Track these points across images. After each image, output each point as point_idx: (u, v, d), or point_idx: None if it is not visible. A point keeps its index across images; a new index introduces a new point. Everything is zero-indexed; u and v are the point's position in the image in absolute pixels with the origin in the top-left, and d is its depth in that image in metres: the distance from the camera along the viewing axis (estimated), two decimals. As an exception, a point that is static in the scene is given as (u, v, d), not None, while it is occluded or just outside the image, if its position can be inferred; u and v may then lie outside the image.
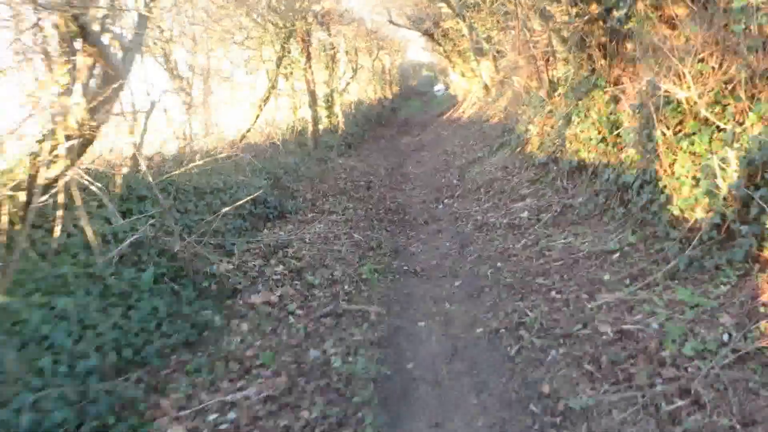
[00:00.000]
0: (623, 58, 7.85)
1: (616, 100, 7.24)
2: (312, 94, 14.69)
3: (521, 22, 10.05)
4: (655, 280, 4.12)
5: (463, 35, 20.99)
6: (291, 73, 15.50)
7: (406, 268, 6.46)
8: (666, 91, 4.84)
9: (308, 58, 14.46)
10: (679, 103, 4.90)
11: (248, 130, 11.36)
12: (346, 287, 5.75)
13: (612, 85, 7.66)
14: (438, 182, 11.31)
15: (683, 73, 4.71)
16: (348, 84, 21.95)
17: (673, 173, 4.80)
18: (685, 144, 4.70)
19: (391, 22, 26.37)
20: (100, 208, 5.56)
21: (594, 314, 4.08)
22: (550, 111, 8.59)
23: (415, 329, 4.88)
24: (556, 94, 8.88)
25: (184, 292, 5.08)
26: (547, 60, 9.10)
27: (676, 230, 4.53)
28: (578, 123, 7.48)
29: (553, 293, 4.69)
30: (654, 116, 4.92)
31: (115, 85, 4.46)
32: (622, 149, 6.58)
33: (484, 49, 18.99)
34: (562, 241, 5.68)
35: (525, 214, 6.94)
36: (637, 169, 5.50)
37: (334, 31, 18.37)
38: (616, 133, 6.83)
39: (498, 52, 17.72)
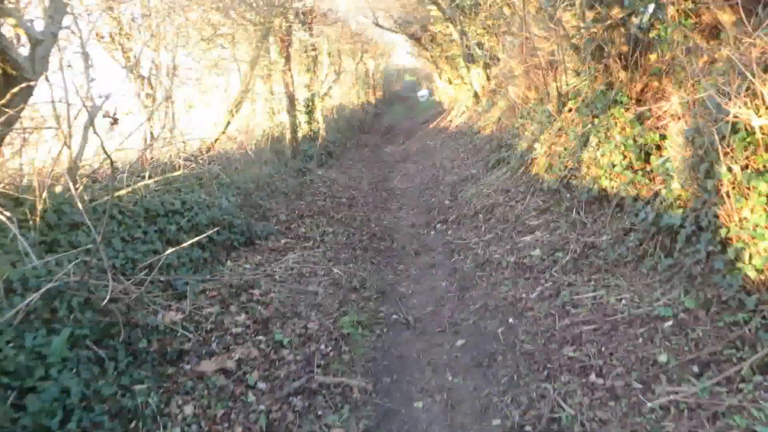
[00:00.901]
0: (646, 71, 6.85)
1: (640, 119, 6.23)
2: (291, 98, 13.54)
3: (524, 28, 9.02)
4: (741, 374, 3.06)
5: (452, 40, 19.98)
6: (269, 75, 14.36)
7: (395, 317, 5.34)
8: (735, 115, 3.79)
9: (288, 59, 13.31)
10: (749, 131, 3.87)
11: (218, 138, 10.17)
12: (322, 347, 4.62)
13: (634, 101, 6.65)
14: (428, 201, 10.22)
15: (761, 94, 3.67)
16: (330, 88, 20.81)
17: (742, 221, 3.76)
18: (762, 185, 3.66)
19: (376, 24, 25.30)
20: (13, 241, 4.37)
21: (659, 419, 3.00)
22: (560, 128, 7.55)
23: (411, 414, 3.77)
24: (565, 109, 7.84)
25: (111, 360, 3.90)
26: (555, 70, 8.08)
27: (754, 297, 3.48)
28: (597, 145, 6.44)
29: (592, 375, 3.60)
30: (719, 147, 3.87)
31: (15, 90, 3.28)
32: (654, 179, 5.55)
33: (475, 55, 17.99)
34: (591, 294, 4.61)
35: (536, 252, 5.87)
36: (685, 210, 4.46)
37: (317, 31, 17.23)
38: (642, 158, 5.81)
39: (491, 59, 16.72)
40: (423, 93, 44.25)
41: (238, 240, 6.95)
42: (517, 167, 8.35)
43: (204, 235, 5.49)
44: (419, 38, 25.23)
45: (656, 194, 5.24)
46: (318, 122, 16.65)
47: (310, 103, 16.41)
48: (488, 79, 17.34)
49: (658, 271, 4.47)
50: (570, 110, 7.74)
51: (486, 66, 17.44)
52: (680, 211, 4.50)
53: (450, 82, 24.46)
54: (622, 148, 5.97)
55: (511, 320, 4.75)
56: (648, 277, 4.50)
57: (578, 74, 8.13)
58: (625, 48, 6.94)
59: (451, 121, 20.07)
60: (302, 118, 16.75)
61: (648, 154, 5.82)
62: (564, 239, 5.84)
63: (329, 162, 15.10)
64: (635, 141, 5.89)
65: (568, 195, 6.53)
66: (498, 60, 16.57)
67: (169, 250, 4.55)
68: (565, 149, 7.04)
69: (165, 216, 6.36)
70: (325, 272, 6.20)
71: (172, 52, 9.71)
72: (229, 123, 10.14)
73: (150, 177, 7.08)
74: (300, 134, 15.99)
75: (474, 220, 7.74)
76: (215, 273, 5.91)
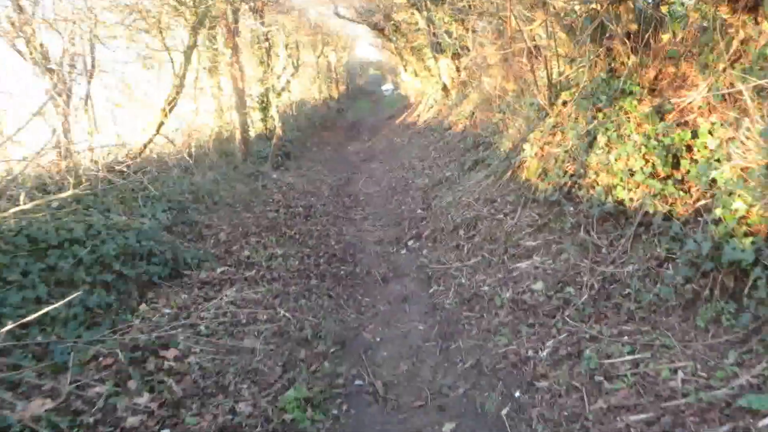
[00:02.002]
0: (659, 54, 5.61)
1: (660, 112, 4.99)
2: (240, 94, 12.04)
3: (504, 7, 7.72)
4: None
5: (418, 29, 18.65)
6: (215, 68, 12.83)
7: (359, 383, 3.97)
8: None
9: (235, 50, 11.79)
10: None
11: (149, 142, 8.64)
12: (254, 447, 3.24)
13: (647, 91, 5.41)
14: (397, 210, 8.88)
15: None
16: (288, 82, 19.29)
17: None
18: None
19: (337, 14, 23.81)
20: None
21: None
22: (555, 125, 6.27)
23: None
24: (558, 102, 6.58)
25: None
26: (544, 57, 6.79)
27: None
28: (606, 145, 5.18)
29: None
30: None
31: None
32: (690, 191, 4.31)
33: (443, 45, 16.69)
34: (628, 357, 3.33)
35: (539, 285, 4.57)
36: (756, 240, 3.20)
37: (270, 20, 15.71)
38: (669, 162, 4.56)
39: (461, 48, 15.43)
40: (387, 87, 42.95)
41: (160, 273, 5.48)
42: (501, 171, 7.05)
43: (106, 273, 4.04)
44: (382, 29, 23.85)
45: (698, 212, 3.99)
46: (274, 120, 15.16)
47: (265, 99, 14.91)
48: (458, 70, 16.07)
49: (723, 325, 3.21)
50: (564, 103, 6.47)
51: (455, 56, 16.16)
52: (748, 241, 3.23)
53: (416, 75, 23.16)
54: (643, 149, 4.71)
55: (517, 394, 3.43)
56: (709, 335, 3.23)
57: (572, 60, 6.86)
58: (634, 26, 5.70)
59: (418, 116, 18.77)
60: (256, 115, 15.25)
61: (676, 158, 4.57)
62: (573, 268, 4.56)
63: (286, 163, 13.64)
64: (660, 142, 4.64)
65: (571, 208, 5.25)
66: (468, 50, 15.29)
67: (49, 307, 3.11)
68: (564, 151, 5.76)
69: (59, 246, 4.89)
70: (269, 317, 4.80)
71: (89, 40, 8.15)
72: (162, 124, 8.62)
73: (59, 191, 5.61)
74: (253, 134, 14.50)
75: (453, 237, 6.41)
76: (120, 326, 4.45)
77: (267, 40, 14.78)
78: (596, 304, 4.00)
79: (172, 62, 8.65)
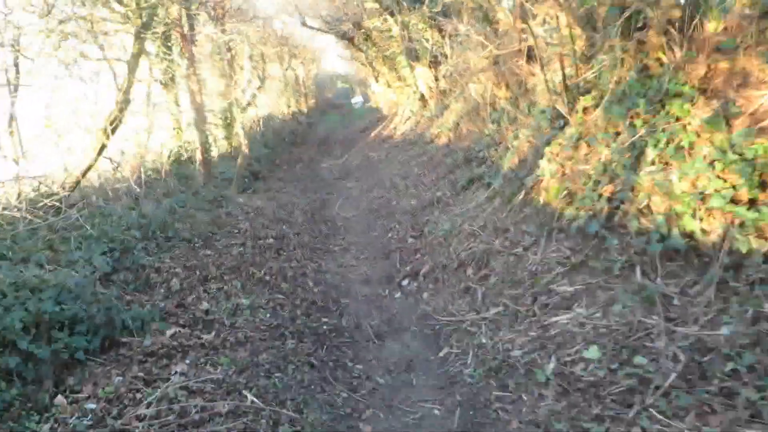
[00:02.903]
0: (707, 46, 4.56)
1: (726, 118, 3.91)
2: (199, 109, 10.75)
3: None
4: None
5: (391, 37, 17.59)
6: (172, 80, 11.53)
7: None
8: None
9: (191, 60, 10.53)
10: None
11: (88, 168, 7.32)
12: None
13: (698, 92, 4.34)
14: (383, 238, 7.69)
15: None
16: (254, 96, 18.04)
17: None
18: None
19: (304, 24, 22.63)
20: None
21: None
22: (579, 136, 5.16)
23: None
24: (577, 108, 5.48)
25: None
26: (559, 55, 5.69)
27: None
28: (660, 161, 4.08)
29: None
30: None
31: None
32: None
33: (419, 52, 15.65)
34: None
35: (594, 352, 3.41)
36: None
37: (233, 29, 14.46)
38: (754, 181, 3.47)
39: (440, 55, 14.37)
40: (357, 100, 41.85)
41: (88, 345, 4.19)
42: (510, 193, 5.90)
43: None
44: (352, 38, 22.77)
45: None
46: (239, 137, 13.87)
47: (228, 115, 13.62)
48: (436, 79, 15.00)
49: None
50: (585, 110, 5.37)
51: (433, 64, 15.10)
52: None
53: (389, 86, 22.08)
54: (718, 166, 3.62)
55: None
56: None
57: (588, 59, 5.78)
58: (677, 13, 4.64)
59: (395, 128, 17.66)
60: (219, 133, 13.97)
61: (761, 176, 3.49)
62: (638, 327, 3.41)
63: (254, 185, 12.35)
64: (739, 154, 3.55)
65: (616, 242, 4.12)
66: (446, 57, 14.23)
67: None
68: (599, 168, 4.64)
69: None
70: (232, 407, 3.54)
71: (13, 49, 6.85)
72: (104, 147, 7.30)
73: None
74: (216, 153, 13.20)
75: (460, 277, 5.24)
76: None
77: (229, 50, 13.53)
78: (692, 389, 2.85)
79: (114, 74, 7.35)
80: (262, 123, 20.01)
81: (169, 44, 10.98)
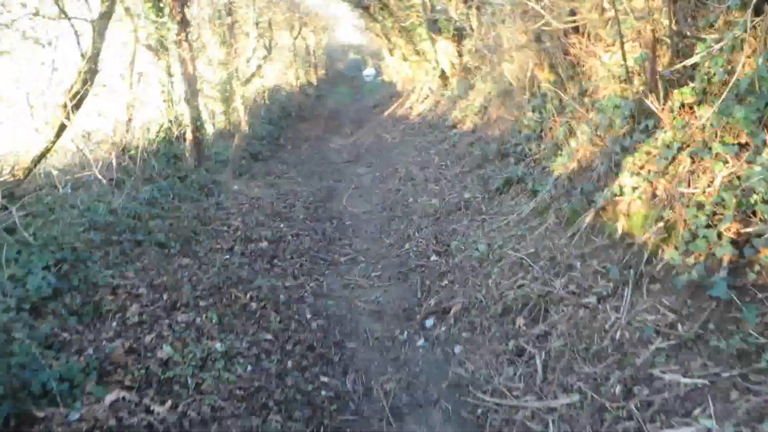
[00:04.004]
0: None
1: None
2: (190, 81, 9.38)
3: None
4: None
5: (410, 6, 16.03)
6: (164, 47, 10.08)
7: None
8: None
9: (184, 23, 9.11)
10: None
11: (45, 152, 5.98)
12: None
13: None
14: (399, 248, 6.35)
15: None
16: (260, 67, 16.56)
17: None
18: None
19: (316, -10, 21.00)
20: None
21: None
22: (680, 145, 3.78)
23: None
24: (672, 104, 4.08)
25: None
26: (652, 33, 4.27)
27: None
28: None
29: None
30: None
31: None
32: None
33: (441, 24, 14.12)
34: None
35: None
36: None
37: (235, -10, 12.99)
38: None
39: (469, 28, 12.82)
40: (369, 72, 40.10)
41: (-20, 430, 2.92)
42: (571, 212, 4.55)
43: None
44: (367, 6, 21.10)
45: None
46: (239, 113, 12.49)
47: (227, 88, 12.21)
48: (460, 54, 13.50)
49: None
50: (683, 106, 3.98)
51: (456, 37, 13.59)
52: None
53: (405, 59, 20.48)
54: None
55: None
56: None
57: (682, 38, 4.36)
58: None
59: (411, 107, 16.19)
60: (217, 107, 12.58)
61: None
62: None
63: (253, 168, 11.00)
64: None
65: (755, 313, 2.78)
66: (472, 30, 12.70)
67: None
68: (715, 193, 3.27)
69: None
70: None
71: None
72: (63, 127, 5.95)
73: None
74: (211, 131, 11.84)
75: (506, 327, 3.91)
76: None
77: (230, 14, 12.07)
78: None
79: (77, 37, 5.97)
80: (267, 96, 18.58)
81: (161, 4, 9.52)
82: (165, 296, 4.72)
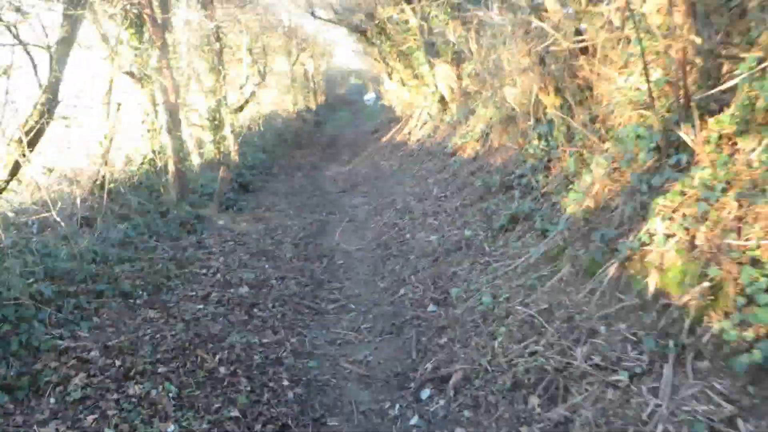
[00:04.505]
0: None
1: None
2: (172, 110, 8.80)
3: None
4: None
5: (408, 30, 15.56)
6: (146, 75, 9.54)
7: None
8: None
9: (164, 50, 8.57)
10: None
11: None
12: None
13: None
14: (393, 294, 5.68)
15: None
16: (254, 93, 16.04)
17: None
18: None
19: (312, 14, 20.59)
20: None
21: None
22: (724, 186, 3.13)
23: None
24: (708, 135, 3.45)
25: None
26: (682, 50, 3.66)
27: None
28: None
29: None
30: None
31: None
32: None
33: (439, 47, 13.62)
34: None
35: None
36: None
37: (226, 15, 12.49)
38: None
39: (463, 51, 12.31)
40: (370, 97, 39.87)
41: None
42: (590, 261, 3.89)
43: None
44: (364, 31, 20.71)
45: None
46: (228, 142, 11.93)
47: (217, 116, 11.65)
48: (459, 78, 12.96)
49: None
50: (721, 138, 3.35)
51: (456, 61, 13.06)
52: None
53: (403, 84, 19.99)
54: None
55: None
56: None
57: (717, 56, 3.74)
58: None
59: (409, 133, 15.63)
60: (206, 136, 12.02)
61: None
62: None
63: (241, 200, 10.39)
64: None
65: None
66: (471, 53, 12.18)
67: None
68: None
69: None
70: None
71: None
72: (18, 164, 5.34)
73: None
74: (198, 162, 11.27)
75: (517, 407, 3.22)
76: None
77: (218, 39, 11.56)
78: None
79: (34, 66, 5.39)
80: (262, 123, 18.07)
81: (142, 29, 9.00)
82: (119, 362, 4.05)
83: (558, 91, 7.11)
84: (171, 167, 8.89)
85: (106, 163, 8.35)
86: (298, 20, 22.95)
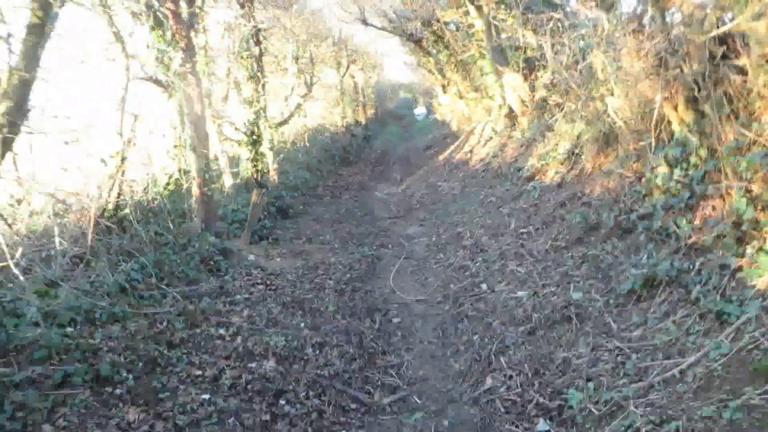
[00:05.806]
0: None
1: None
2: (197, 124, 7.38)
3: None
4: None
5: (471, 35, 13.89)
6: (172, 82, 8.16)
7: None
8: None
9: (189, 52, 7.17)
10: None
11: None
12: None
13: None
14: (475, 383, 4.01)
15: None
16: (299, 106, 14.65)
17: None
18: None
19: (364, 22, 19.17)
20: None
21: None
22: None
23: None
24: None
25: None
26: None
27: None
28: None
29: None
30: None
31: None
32: None
33: (509, 55, 11.94)
34: None
35: None
36: None
37: (267, 16, 11.15)
38: None
39: (538, 58, 10.57)
40: (420, 111, 38.45)
41: None
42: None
43: None
44: (419, 40, 19.19)
45: None
46: (267, 161, 10.50)
47: (256, 130, 10.23)
48: (532, 89, 11.22)
49: None
50: None
51: (528, 68, 11.35)
52: None
53: (461, 97, 18.31)
54: None
55: None
56: None
57: None
58: None
59: (471, 151, 13.91)
60: (244, 153, 10.61)
61: None
62: None
63: (278, 228, 8.89)
64: None
65: None
66: (545, 59, 10.42)
67: None
68: None
69: None
70: None
71: None
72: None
73: None
74: (229, 183, 9.88)
75: None
76: None
77: (258, 43, 10.16)
78: None
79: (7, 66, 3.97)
80: (308, 137, 16.69)
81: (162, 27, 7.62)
82: None
83: (691, 102, 5.34)
84: (195, 190, 7.46)
85: (115, 186, 7.01)
86: (348, 30, 21.61)
